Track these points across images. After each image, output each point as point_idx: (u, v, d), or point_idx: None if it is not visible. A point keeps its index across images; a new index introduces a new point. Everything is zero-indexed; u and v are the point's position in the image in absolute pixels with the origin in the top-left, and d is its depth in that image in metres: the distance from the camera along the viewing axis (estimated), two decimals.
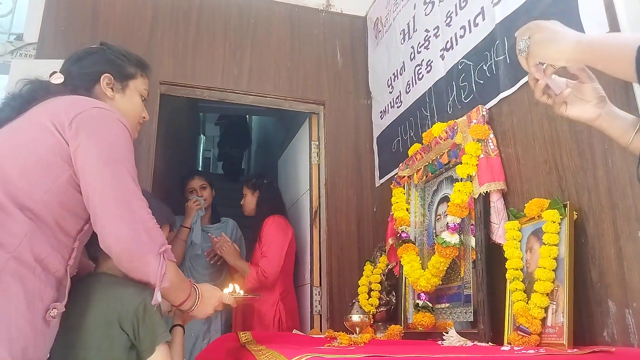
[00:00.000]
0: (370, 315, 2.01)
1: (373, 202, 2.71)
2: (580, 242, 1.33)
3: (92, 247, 1.23)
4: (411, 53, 2.35)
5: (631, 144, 0.90)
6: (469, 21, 1.89)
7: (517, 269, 1.43)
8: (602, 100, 0.93)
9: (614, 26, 1.24)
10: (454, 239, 1.70)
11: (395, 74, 2.52)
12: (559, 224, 1.34)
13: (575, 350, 1.16)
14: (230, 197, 3.50)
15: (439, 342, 1.55)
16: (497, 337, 1.47)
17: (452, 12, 2.01)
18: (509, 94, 1.64)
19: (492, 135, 1.69)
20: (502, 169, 1.64)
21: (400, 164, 2.24)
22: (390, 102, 2.58)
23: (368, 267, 2.32)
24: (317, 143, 2.87)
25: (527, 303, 1.36)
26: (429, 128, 2.05)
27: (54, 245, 1.09)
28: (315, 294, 2.64)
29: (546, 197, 1.43)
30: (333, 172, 2.76)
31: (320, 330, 2.49)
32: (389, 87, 2.60)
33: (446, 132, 1.87)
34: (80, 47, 1.39)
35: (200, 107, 5.44)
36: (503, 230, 1.53)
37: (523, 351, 1.16)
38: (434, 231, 1.95)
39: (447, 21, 2.05)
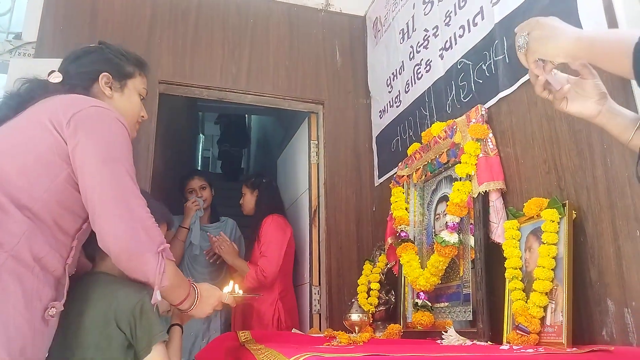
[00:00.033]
0: (370, 315, 2.01)
1: (372, 201, 2.71)
2: (579, 241, 1.33)
3: (89, 246, 1.22)
4: (410, 52, 2.35)
5: (631, 142, 0.90)
6: (468, 21, 1.89)
7: (516, 268, 1.43)
8: (603, 97, 0.92)
9: (613, 26, 1.24)
10: (453, 238, 1.70)
11: (395, 73, 2.52)
12: (558, 223, 1.34)
13: (574, 349, 1.16)
14: (230, 196, 3.50)
15: (438, 341, 1.55)
16: (496, 336, 1.48)
17: (451, 11, 2.01)
18: (508, 93, 1.64)
19: (491, 135, 1.69)
20: (501, 169, 1.65)
21: (400, 164, 2.24)
22: (390, 102, 2.58)
23: (367, 266, 2.32)
24: (316, 142, 2.87)
25: (526, 302, 1.36)
26: (428, 127, 2.05)
27: (53, 244, 1.09)
28: (315, 293, 2.64)
29: (545, 196, 1.43)
30: (332, 172, 2.76)
31: (320, 330, 2.49)
32: (388, 86, 2.60)
33: (445, 132, 1.87)
34: (78, 46, 1.39)
35: (199, 106, 5.44)
36: (502, 230, 1.53)
37: (522, 350, 1.16)
38: (433, 230, 1.95)
39: (447, 21, 2.05)
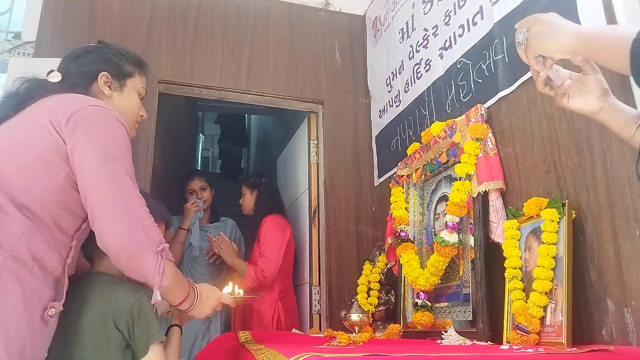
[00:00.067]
0: (370, 315, 2.01)
1: (372, 201, 2.71)
2: (578, 241, 1.33)
3: (88, 246, 1.22)
4: (410, 52, 2.35)
5: (632, 139, 0.89)
6: (467, 20, 1.89)
7: (515, 268, 1.43)
8: (605, 93, 0.92)
9: (612, 24, 1.24)
10: (452, 238, 1.70)
11: (394, 73, 2.52)
12: (558, 223, 1.34)
13: (574, 349, 1.16)
14: (230, 195, 3.50)
15: (438, 341, 1.55)
16: (496, 336, 1.47)
17: (451, 11, 2.01)
18: (508, 93, 1.64)
19: (490, 134, 1.69)
20: (500, 168, 1.64)
21: (399, 163, 2.24)
22: (389, 101, 2.57)
23: (367, 266, 2.32)
24: (316, 142, 2.87)
25: (526, 302, 1.36)
26: (427, 127, 2.05)
27: (52, 244, 1.09)
28: (315, 293, 2.64)
29: (545, 196, 1.43)
30: (332, 171, 2.75)
31: (320, 330, 2.49)
32: (387, 86, 2.60)
33: (445, 131, 1.87)
34: (78, 46, 1.38)
35: (199, 106, 5.44)
36: (502, 229, 1.53)
37: (522, 350, 1.16)
38: (433, 230, 1.95)
39: (446, 20, 2.05)
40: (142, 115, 1.40)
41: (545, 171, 1.47)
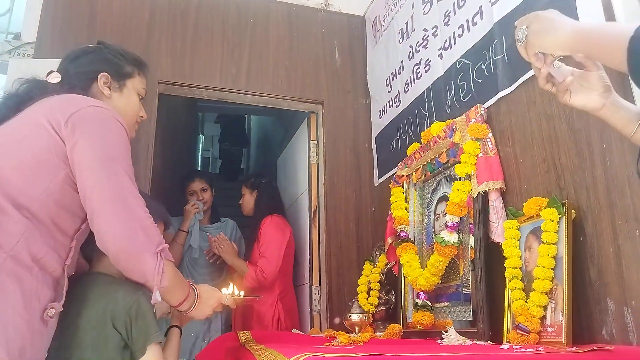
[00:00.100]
0: (370, 315, 2.01)
1: (372, 201, 2.71)
2: (578, 240, 1.33)
3: (87, 246, 1.22)
4: (409, 52, 2.35)
5: (634, 136, 0.88)
6: (467, 20, 1.89)
7: (516, 268, 1.43)
8: (608, 90, 0.91)
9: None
10: (452, 238, 1.70)
11: (394, 73, 2.52)
12: (558, 222, 1.34)
13: (574, 348, 1.16)
14: (230, 196, 3.50)
15: (439, 341, 1.55)
16: (496, 336, 1.48)
17: (451, 11, 2.01)
18: (507, 93, 1.64)
19: (490, 134, 1.69)
20: (500, 168, 1.64)
21: (399, 163, 2.24)
22: (389, 102, 2.58)
23: (367, 266, 2.32)
24: (316, 142, 2.87)
25: (526, 302, 1.36)
26: (427, 127, 2.05)
27: (51, 244, 1.09)
28: (315, 293, 2.64)
29: (545, 195, 1.43)
30: (332, 172, 2.76)
31: (320, 330, 2.49)
32: (387, 86, 2.60)
33: (445, 131, 1.87)
34: (78, 47, 1.39)
35: (199, 106, 5.44)
36: (502, 229, 1.53)
37: (522, 350, 1.16)
38: (433, 230, 1.95)
39: (446, 20, 2.05)
40: (142, 116, 1.40)
41: (545, 171, 1.47)
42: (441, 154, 1.90)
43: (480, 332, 1.53)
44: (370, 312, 2.08)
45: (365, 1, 2.93)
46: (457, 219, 1.71)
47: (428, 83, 2.17)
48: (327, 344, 1.50)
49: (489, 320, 1.52)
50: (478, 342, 1.46)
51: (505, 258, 1.46)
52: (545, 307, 1.30)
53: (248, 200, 2.87)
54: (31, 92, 1.22)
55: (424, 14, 2.23)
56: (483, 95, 1.76)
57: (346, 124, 2.83)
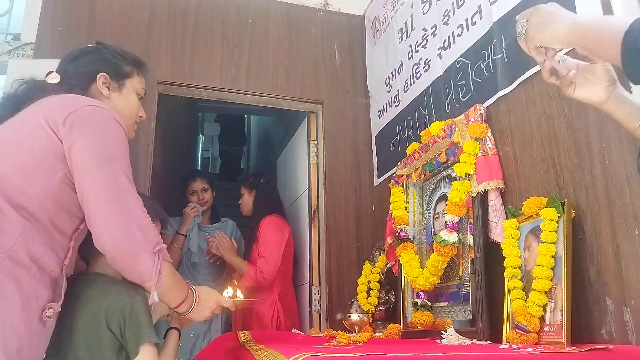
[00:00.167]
0: (369, 314, 2.01)
1: (372, 201, 2.71)
2: (578, 240, 1.33)
3: (83, 246, 1.21)
4: (409, 52, 2.35)
5: (637, 131, 0.87)
6: (466, 20, 1.89)
7: (515, 267, 1.43)
8: (613, 83, 0.90)
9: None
10: (452, 237, 1.70)
11: (394, 72, 2.52)
12: (557, 222, 1.34)
13: (573, 348, 1.16)
14: (230, 196, 3.50)
15: (438, 341, 1.55)
16: (495, 336, 1.47)
17: (450, 10, 2.01)
18: (507, 92, 1.64)
19: (490, 134, 1.69)
20: (500, 168, 1.64)
21: (399, 163, 2.24)
22: (389, 101, 2.58)
23: (367, 266, 2.32)
24: (316, 142, 2.87)
25: (525, 301, 1.36)
26: (427, 127, 2.05)
27: (49, 244, 1.08)
28: (315, 293, 2.64)
29: (544, 195, 1.43)
30: (332, 171, 2.76)
31: (320, 330, 2.49)
32: (387, 86, 2.60)
33: (444, 131, 1.87)
34: (77, 47, 1.39)
35: (198, 106, 5.44)
36: (501, 229, 1.53)
37: (521, 349, 1.16)
38: (433, 230, 1.95)
39: (445, 20, 2.05)
40: (141, 116, 1.40)
41: (545, 170, 1.47)
42: (441, 154, 1.90)
43: (479, 331, 1.52)
44: (370, 311, 2.08)
45: (365, 1, 2.93)
46: (456, 219, 1.71)
47: (427, 83, 2.17)
48: (327, 343, 1.49)
49: (488, 320, 1.52)
50: (477, 342, 1.46)
51: (504, 257, 1.46)
52: (544, 307, 1.30)
53: (247, 200, 2.86)
54: (30, 93, 1.22)
55: (423, 14, 2.23)
56: (482, 95, 1.76)
57: (346, 124, 2.83)
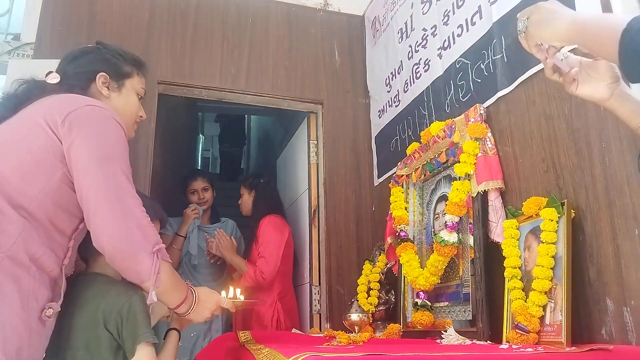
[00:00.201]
0: (370, 314, 2.01)
1: (372, 201, 2.71)
2: (578, 240, 1.33)
3: (82, 246, 1.21)
4: (409, 52, 2.35)
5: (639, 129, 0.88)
6: (466, 20, 1.89)
7: (515, 268, 1.43)
8: (616, 80, 0.89)
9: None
10: (452, 237, 1.70)
11: (393, 73, 2.52)
12: (557, 222, 1.34)
13: (573, 348, 1.16)
14: (230, 196, 3.50)
15: (438, 341, 1.55)
16: (495, 336, 1.47)
17: (450, 10, 2.01)
18: (507, 92, 1.64)
19: (489, 134, 1.69)
20: (500, 168, 1.64)
21: (399, 163, 2.24)
22: (389, 101, 2.58)
23: (367, 266, 2.32)
24: (316, 142, 2.87)
25: (525, 301, 1.36)
26: (427, 127, 2.05)
27: (49, 244, 1.08)
28: (315, 293, 2.64)
29: (544, 195, 1.43)
30: (332, 171, 2.76)
31: (320, 330, 2.49)
32: (387, 86, 2.60)
33: (444, 131, 1.87)
34: (77, 47, 1.39)
35: (199, 106, 5.44)
36: (501, 229, 1.53)
37: (521, 349, 1.16)
38: (433, 230, 1.95)
39: (445, 20, 2.05)
40: (141, 116, 1.40)
41: (545, 170, 1.47)
42: (440, 154, 1.90)
43: (479, 331, 1.52)
44: (370, 311, 2.08)
45: (365, 1, 2.93)
46: (456, 219, 1.71)
47: (427, 83, 2.17)
48: (327, 343, 1.49)
49: (488, 320, 1.52)
50: (477, 342, 1.46)
51: (504, 258, 1.46)
52: (544, 307, 1.30)
53: (246, 200, 2.86)
54: (30, 93, 1.22)
55: (423, 14, 2.23)
56: (482, 95, 1.76)
57: (346, 124, 2.83)
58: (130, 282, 1.15)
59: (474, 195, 1.66)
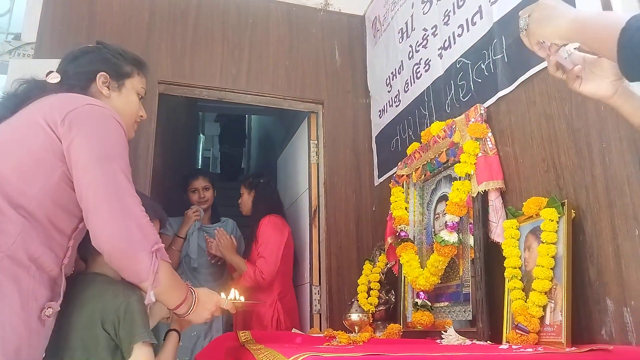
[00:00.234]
0: (370, 314, 2.01)
1: (372, 201, 2.71)
2: (578, 240, 1.33)
3: (82, 246, 1.21)
4: (409, 52, 2.35)
5: None
6: (466, 20, 1.89)
7: (515, 268, 1.43)
8: (620, 77, 0.89)
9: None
10: (452, 237, 1.70)
11: (394, 72, 2.52)
12: (557, 222, 1.33)
13: (573, 348, 1.16)
14: (230, 196, 3.50)
15: (438, 341, 1.55)
16: (495, 336, 1.47)
17: (450, 10, 2.01)
18: (507, 92, 1.64)
19: (490, 134, 1.69)
20: (500, 168, 1.64)
21: (399, 163, 2.24)
22: (389, 101, 2.58)
23: (367, 266, 2.32)
24: (316, 142, 2.87)
25: (525, 302, 1.36)
26: (427, 127, 2.05)
27: (48, 244, 1.08)
28: (315, 293, 2.64)
29: (544, 195, 1.43)
30: (332, 171, 2.76)
31: (320, 330, 2.49)
32: (387, 86, 2.60)
33: (444, 131, 1.87)
34: (77, 47, 1.39)
35: (199, 106, 5.44)
36: (501, 229, 1.53)
37: (521, 350, 1.16)
38: (433, 230, 1.95)
39: (445, 20, 2.05)
40: (141, 116, 1.40)
41: (545, 170, 1.47)
42: (441, 154, 1.90)
43: (479, 332, 1.52)
44: (370, 311, 2.08)
45: (365, 1, 2.93)
46: (456, 219, 1.71)
47: (428, 83, 2.17)
48: (327, 343, 1.50)
49: (488, 320, 1.52)
50: (477, 342, 1.46)
51: (504, 258, 1.46)
52: (544, 307, 1.30)
53: (246, 200, 2.86)
54: (30, 92, 1.22)
55: (424, 14, 2.23)
56: (483, 95, 1.76)
57: (346, 124, 2.83)
58: (129, 282, 1.15)
59: (474, 195, 1.66)
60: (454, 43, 1.98)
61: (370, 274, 2.25)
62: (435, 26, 2.13)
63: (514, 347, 1.24)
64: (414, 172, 2.09)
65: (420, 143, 2.07)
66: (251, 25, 2.79)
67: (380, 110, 2.69)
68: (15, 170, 1.07)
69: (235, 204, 2.98)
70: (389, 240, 2.18)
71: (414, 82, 2.30)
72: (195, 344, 2.69)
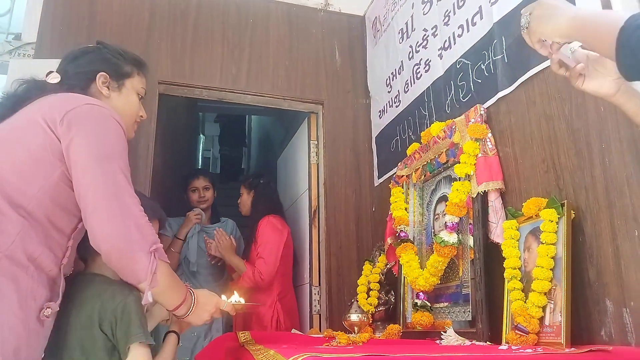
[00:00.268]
0: (369, 315, 2.01)
1: (372, 201, 2.71)
2: (577, 241, 1.33)
3: (81, 245, 1.21)
4: (409, 52, 2.35)
5: None
6: (467, 20, 1.89)
7: (515, 268, 1.43)
8: None
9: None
10: (452, 238, 1.70)
11: (394, 73, 2.52)
12: (557, 223, 1.33)
13: (572, 349, 1.16)
14: (230, 196, 3.50)
15: (438, 342, 1.55)
16: (495, 336, 1.47)
17: (450, 11, 2.01)
18: (507, 93, 1.64)
19: (490, 135, 1.69)
20: (500, 168, 1.64)
21: (399, 163, 2.24)
22: (389, 102, 2.58)
23: (367, 266, 2.32)
24: (316, 142, 2.87)
25: (525, 302, 1.36)
26: (427, 127, 2.05)
27: (47, 243, 1.08)
28: (315, 294, 2.64)
29: (544, 196, 1.43)
30: (332, 172, 2.76)
31: (320, 330, 2.49)
32: (387, 86, 2.60)
33: (444, 132, 1.87)
34: (77, 47, 1.39)
35: (199, 106, 5.44)
36: (501, 230, 1.53)
37: (521, 350, 1.16)
38: (433, 230, 1.95)
39: (445, 20, 2.05)
40: (141, 116, 1.40)
41: (545, 171, 1.47)
42: (441, 154, 1.90)
43: (479, 332, 1.52)
44: (370, 312, 2.08)
45: (365, 1, 2.93)
46: (456, 219, 1.71)
47: (428, 83, 2.17)
48: (326, 344, 1.50)
49: (488, 321, 1.52)
50: (477, 343, 1.46)
51: (504, 258, 1.46)
52: (544, 308, 1.30)
53: (245, 200, 2.86)
54: (29, 92, 1.22)
55: (424, 14, 2.23)
56: (483, 96, 1.76)
57: (346, 124, 2.83)
58: (128, 283, 1.14)
59: (474, 195, 1.66)
60: (454, 43, 1.98)
61: (370, 275, 2.25)
62: (436, 26, 2.13)
63: (513, 347, 1.24)
64: (413, 173, 2.09)
65: (420, 143, 2.06)
66: (251, 25, 2.79)
67: (380, 111, 2.69)
68: (15, 169, 1.07)
69: (235, 204, 2.98)
70: (389, 240, 2.18)
71: (414, 83, 2.30)
72: (195, 344, 2.69)
